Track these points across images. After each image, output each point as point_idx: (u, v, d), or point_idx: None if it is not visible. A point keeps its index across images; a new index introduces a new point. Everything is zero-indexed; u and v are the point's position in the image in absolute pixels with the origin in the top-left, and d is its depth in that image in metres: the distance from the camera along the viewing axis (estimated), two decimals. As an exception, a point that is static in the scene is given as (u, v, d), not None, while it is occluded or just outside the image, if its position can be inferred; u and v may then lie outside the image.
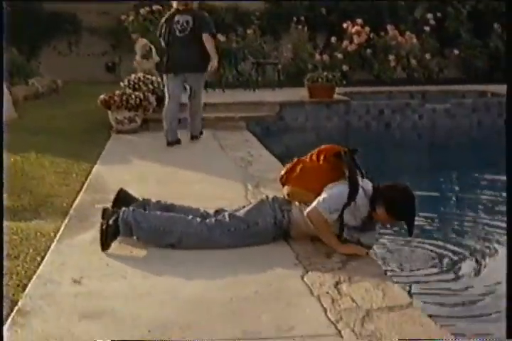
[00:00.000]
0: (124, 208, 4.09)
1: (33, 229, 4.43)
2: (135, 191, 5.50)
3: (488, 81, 13.02)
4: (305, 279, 3.42)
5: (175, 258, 3.80)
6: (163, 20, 7.90)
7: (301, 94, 10.71)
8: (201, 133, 8.38)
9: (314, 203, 3.88)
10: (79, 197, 5.36)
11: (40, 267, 3.71)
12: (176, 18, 7.65)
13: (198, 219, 4.01)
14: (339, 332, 2.80)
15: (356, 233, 3.94)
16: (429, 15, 13.68)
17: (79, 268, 3.66)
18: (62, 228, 4.48)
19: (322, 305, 3.08)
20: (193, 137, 8.22)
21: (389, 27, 13.48)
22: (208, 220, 4.01)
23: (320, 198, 3.89)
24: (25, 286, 3.43)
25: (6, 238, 4.00)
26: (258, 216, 3.99)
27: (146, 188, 5.65)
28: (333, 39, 13.49)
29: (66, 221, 4.65)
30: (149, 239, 3.99)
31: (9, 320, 2.99)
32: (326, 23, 14.11)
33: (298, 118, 10.14)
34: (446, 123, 10.27)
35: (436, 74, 13.60)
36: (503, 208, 5.94)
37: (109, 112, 9.02)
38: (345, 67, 12.78)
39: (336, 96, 10.44)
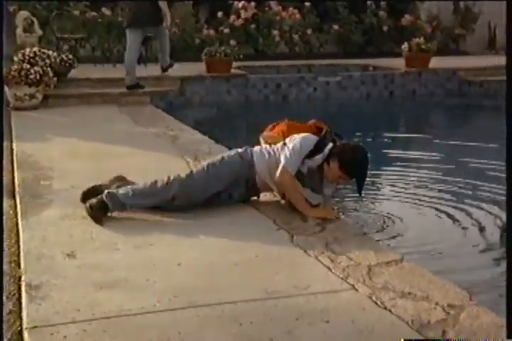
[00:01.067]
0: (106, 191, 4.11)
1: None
2: (73, 167, 5.49)
3: (362, 55, 13.67)
4: (295, 242, 3.60)
5: (156, 228, 3.86)
6: None
7: (198, 68, 10.76)
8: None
9: (282, 163, 4.05)
10: (16, 175, 5.23)
11: (22, 244, 3.65)
12: None
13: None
14: (353, 286, 3.01)
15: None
16: (309, -9, 14.08)
17: (63, 242, 3.64)
18: (18, 206, 4.40)
19: (324, 265, 3.27)
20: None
21: (272, 3, 13.73)
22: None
23: (286, 154, 4.05)
24: (17, 262, 3.40)
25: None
26: (222, 155, 4.29)
27: (84, 163, 5.61)
28: (220, 14, 13.56)
29: (18, 199, 4.55)
30: (141, 203, 4.06)
31: (23, 294, 2.97)
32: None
33: (199, 92, 10.21)
34: (339, 95, 10.71)
35: (317, 48, 14.04)
36: (395, 160, 6.95)
37: (6, 88, 8.69)
38: (232, 42, 12.91)
39: (232, 70, 10.59)
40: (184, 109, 9.74)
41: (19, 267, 3.34)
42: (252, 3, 13.38)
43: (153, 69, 10.96)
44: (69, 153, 6.02)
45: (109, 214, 4.02)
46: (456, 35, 15.00)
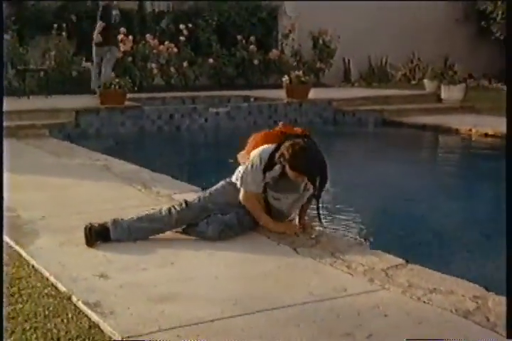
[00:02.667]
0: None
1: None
2: (27, 198, 5.49)
3: (235, 86, 14.30)
4: (302, 254, 3.95)
5: (166, 248, 4.07)
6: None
7: (89, 100, 10.84)
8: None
9: (238, 185, 4.33)
10: (-27, 208, 5.17)
11: (42, 270, 3.73)
12: None
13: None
14: (383, 286, 3.42)
15: (274, 196, 4.34)
16: (182, 26, 14.52)
17: (85, 266, 3.76)
18: (5, 237, 4.41)
19: (343, 271, 3.66)
20: None
21: (148, 36, 14.03)
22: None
23: (243, 176, 4.29)
24: (53, 286, 3.49)
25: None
26: (213, 187, 4.52)
27: (36, 195, 5.64)
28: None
29: (-3, 231, 4.55)
30: (144, 233, 4.25)
31: (88, 311, 3.11)
32: (83, 31, 14.24)
33: (94, 124, 10.28)
34: (228, 125, 11.19)
35: (192, 81, 14.49)
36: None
37: None
38: (112, 74, 13.01)
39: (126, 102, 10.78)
40: (82, 140, 9.75)
41: (56, 289, 3.44)
42: (130, 37, 13.60)
43: (44, 102, 10.92)
44: (9, 185, 5.96)
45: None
46: (317, 69, 16.00)
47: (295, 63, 15.58)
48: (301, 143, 4.16)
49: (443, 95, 13.10)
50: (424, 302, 3.22)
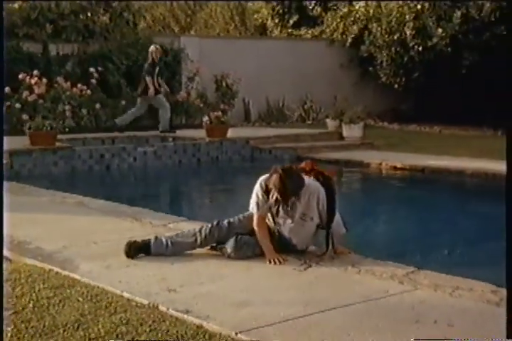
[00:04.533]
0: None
1: (17, 273, 4.52)
2: (29, 232, 5.74)
3: (145, 127, 14.74)
4: (327, 266, 4.55)
5: (208, 265, 4.59)
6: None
7: (15, 142, 10.95)
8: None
9: (250, 209, 4.93)
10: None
11: (110, 288, 4.11)
12: None
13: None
14: (415, 287, 4.09)
15: (276, 220, 4.89)
16: (92, 69, 14.85)
17: (146, 283, 4.20)
18: (41, 264, 4.72)
19: (372, 277, 4.30)
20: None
21: (59, 79, 14.26)
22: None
23: (251, 202, 4.92)
24: (133, 300, 3.90)
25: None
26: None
27: (34, 229, 5.86)
28: (7, 89, 13.67)
29: (35, 261, 4.82)
30: (179, 248, 4.86)
31: (188, 317, 3.57)
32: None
33: (27, 165, 10.45)
34: (155, 164, 11.65)
35: (104, 122, 14.77)
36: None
37: None
38: (25, 117, 13.12)
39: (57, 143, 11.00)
40: (19, 180, 9.86)
41: (139, 302, 3.85)
42: (44, 80, 13.78)
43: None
44: (16, 223, 5.99)
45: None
46: (222, 110, 16.74)
47: (201, 105, 16.24)
48: (280, 171, 4.78)
49: (344, 133, 14.15)
50: (457, 297, 3.91)
